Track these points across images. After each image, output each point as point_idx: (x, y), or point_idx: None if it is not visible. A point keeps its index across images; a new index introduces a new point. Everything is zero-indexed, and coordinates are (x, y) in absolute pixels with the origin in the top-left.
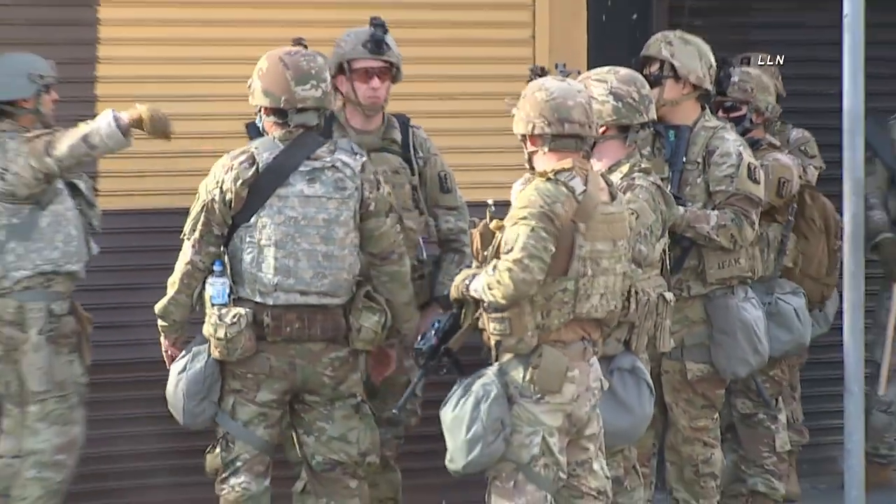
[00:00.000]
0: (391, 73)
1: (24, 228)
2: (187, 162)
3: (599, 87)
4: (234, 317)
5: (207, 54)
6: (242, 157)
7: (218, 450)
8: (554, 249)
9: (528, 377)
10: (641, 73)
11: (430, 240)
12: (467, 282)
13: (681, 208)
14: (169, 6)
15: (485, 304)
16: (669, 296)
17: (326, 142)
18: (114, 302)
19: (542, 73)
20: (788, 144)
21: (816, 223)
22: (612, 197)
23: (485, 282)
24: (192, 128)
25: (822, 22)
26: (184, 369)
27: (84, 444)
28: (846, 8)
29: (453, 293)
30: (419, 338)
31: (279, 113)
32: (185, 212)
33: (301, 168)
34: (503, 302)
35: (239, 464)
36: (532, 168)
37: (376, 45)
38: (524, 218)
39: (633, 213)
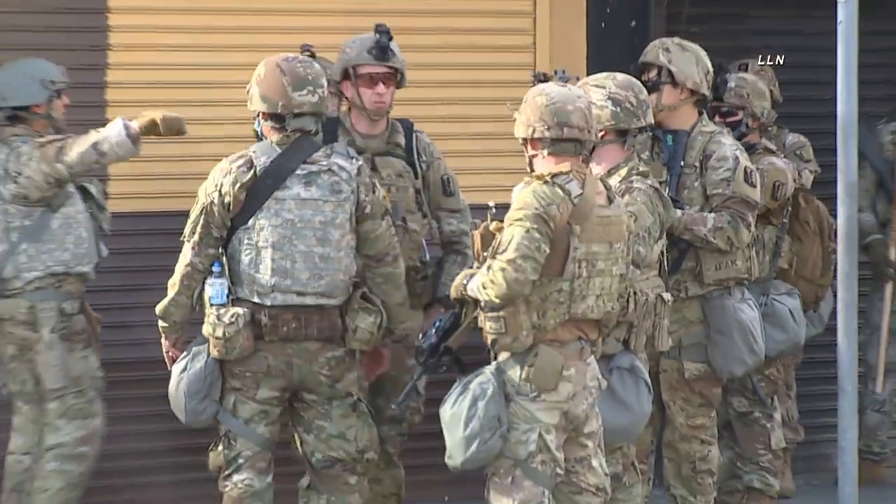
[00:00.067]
0: (396, 78)
1: (35, 230)
2: (197, 165)
3: (598, 93)
4: (231, 316)
5: (215, 60)
6: (240, 161)
7: (220, 447)
8: (548, 250)
9: (524, 375)
10: (640, 79)
11: (433, 241)
12: (465, 281)
13: (678, 211)
14: (177, 14)
15: (481, 304)
16: (667, 296)
17: (323, 146)
18: (122, 302)
19: (545, 78)
20: (784, 149)
21: (811, 226)
22: (610, 200)
23: (480, 281)
24: (201, 132)
25: (818, 29)
26: (185, 369)
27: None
28: (840, 15)
29: (453, 293)
30: (420, 336)
31: (276, 118)
32: None
33: (298, 171)
34: (497, 301)
35: (241, 461)
36: (533, 171)
37: (381, 51)
38: (519, 219)
39: (631, 216)
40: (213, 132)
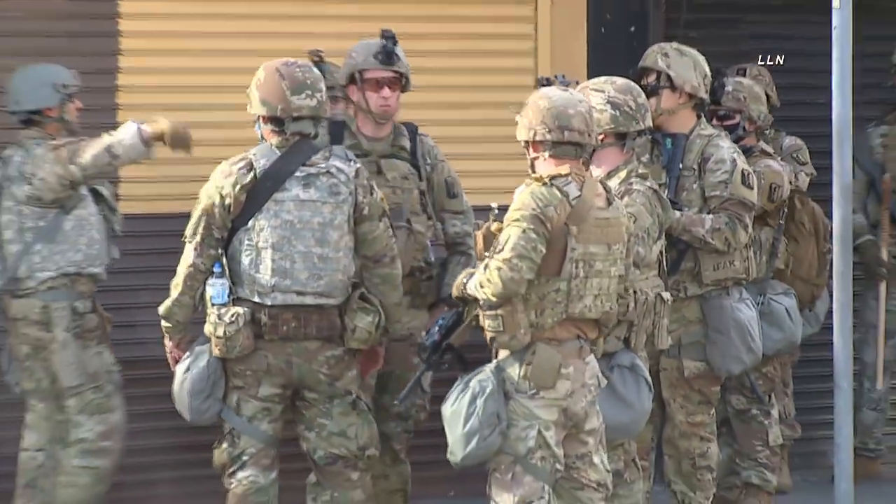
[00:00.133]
0: (401, 83)
1: (49, 231)
2: (209, 169)
3: (597, 97)
4: (232, 316)
5: (225, 64)
6: (241, 164)
7: (225, 445)
8: (544, 250)
9: (522, 373)
10: (639, 84)
11: (437, 242)
12: (465, 280)
13: (677, 212)
14: (187, 19)
15: (480, 302)
16: (667, 295)
17: (322, 149)
18: (131, 302)
19: (548, 83)
20: (781, 151)
21: (806, 227)
22: (609, 202)
23: (477, 280)
24: (211, 135)
25: (813, 34)
26: (188, 369)
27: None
28: (835, 21)
29: (454, 291)
30: (424, 334)
31: (276, 121)
32: None
33: (297, 174)
34: (494, 299)
35: (245, 458)
36: (534, 173)
37: (387, 56)
38: (517, 220)
39: (630, 217)
40: (223, 135)
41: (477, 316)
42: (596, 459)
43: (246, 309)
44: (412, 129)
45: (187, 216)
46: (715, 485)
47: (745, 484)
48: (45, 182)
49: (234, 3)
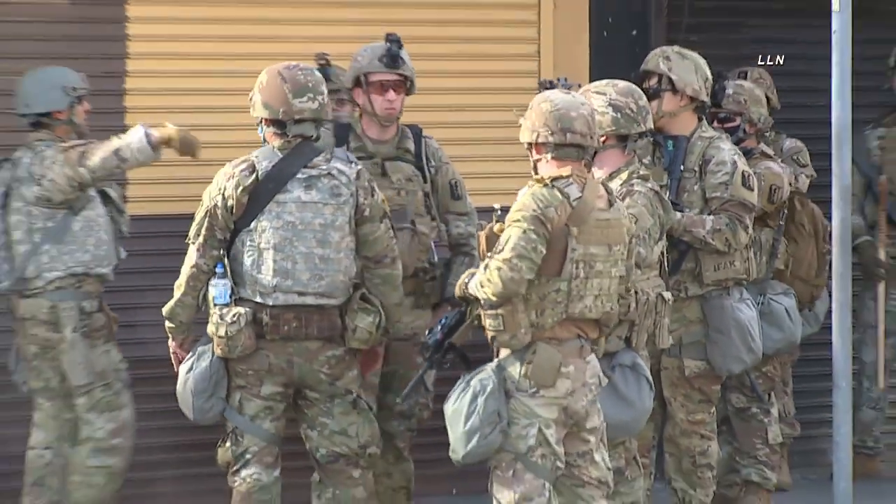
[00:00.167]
0: (406, 85)
1: (57, 232)
2: (214, 171)
3: (599, 99)
4: (234, 316)
5: (232, 68)
6: (243, 166)
7: (228, 444)
8: (544, 251)
9: (523, 372)
10: (641, 87)
11: (441, 243)
12: (467, 280)
13: (678, 213)
14: (194, 23)
15: (481, 302)
16: (668, 295)
17: (323, 151)
18: (136, 302)
19: (551, 86)
20: (782, 153)
21: (806, 228)
22: (611, 204)
23: (478, 279)
24: (218, 137)
25: (814, 38)
26: (191, 368)
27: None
28: (834, 25)
29: (457, 291)
30: (427, 333)
31: (278, 124)
32: None
33: (299, 175)
34: (494, 299)
35: (249, 456)
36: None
37: (392, 59)
38: (517, 220)
39: (632, 218)
40: (230, 138)
41: (479, 315)
42: (597, 457)
43: (248, 309)
44: (417, 132)
45: (193, 218)
46: (715, 482)
47: (745, 482)
48: (54, 183)
49: (240, 7)
